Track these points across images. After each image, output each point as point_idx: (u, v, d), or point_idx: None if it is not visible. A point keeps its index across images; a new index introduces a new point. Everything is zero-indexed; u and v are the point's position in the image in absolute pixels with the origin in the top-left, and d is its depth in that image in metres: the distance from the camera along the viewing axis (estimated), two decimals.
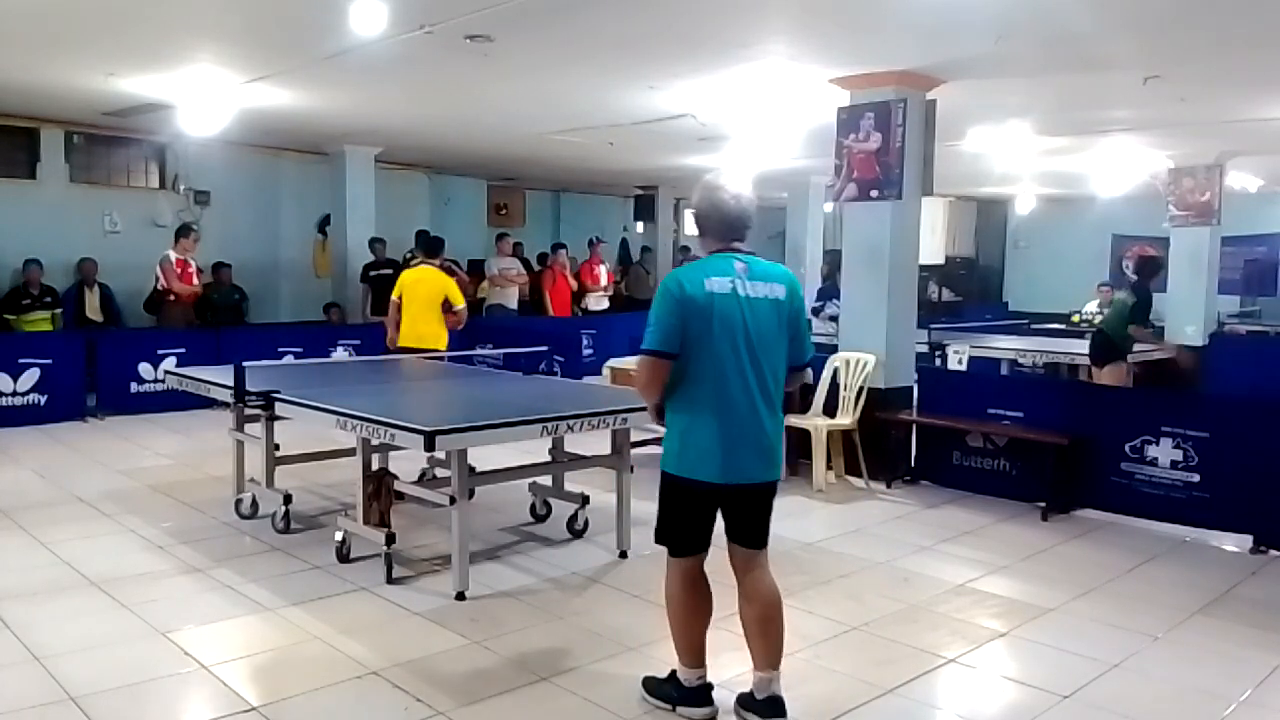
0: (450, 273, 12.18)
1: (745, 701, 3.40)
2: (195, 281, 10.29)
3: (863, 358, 6.95)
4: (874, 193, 6.97)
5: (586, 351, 12.00)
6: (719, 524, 3.41)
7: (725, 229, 3.33)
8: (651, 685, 3.56)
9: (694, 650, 3.42)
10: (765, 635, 3.35)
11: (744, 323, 3.23)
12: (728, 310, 3.21)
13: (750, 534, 3.39)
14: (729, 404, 3.23)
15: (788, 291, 3.33)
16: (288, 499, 5.52)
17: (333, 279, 12.14)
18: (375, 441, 4.71)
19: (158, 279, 10.07)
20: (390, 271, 11.04)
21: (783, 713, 3.32)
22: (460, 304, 7.56)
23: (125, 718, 3.39)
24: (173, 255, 10.04)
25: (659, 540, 3.45)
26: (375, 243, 11.64)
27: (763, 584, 3.38)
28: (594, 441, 5.33)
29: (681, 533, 3.37)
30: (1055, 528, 5.97)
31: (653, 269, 15.59)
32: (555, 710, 3.49)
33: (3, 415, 8.60)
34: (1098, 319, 11.83)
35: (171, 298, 10.06)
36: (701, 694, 3.44)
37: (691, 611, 3.41)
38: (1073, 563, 5.29)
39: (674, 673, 3.49)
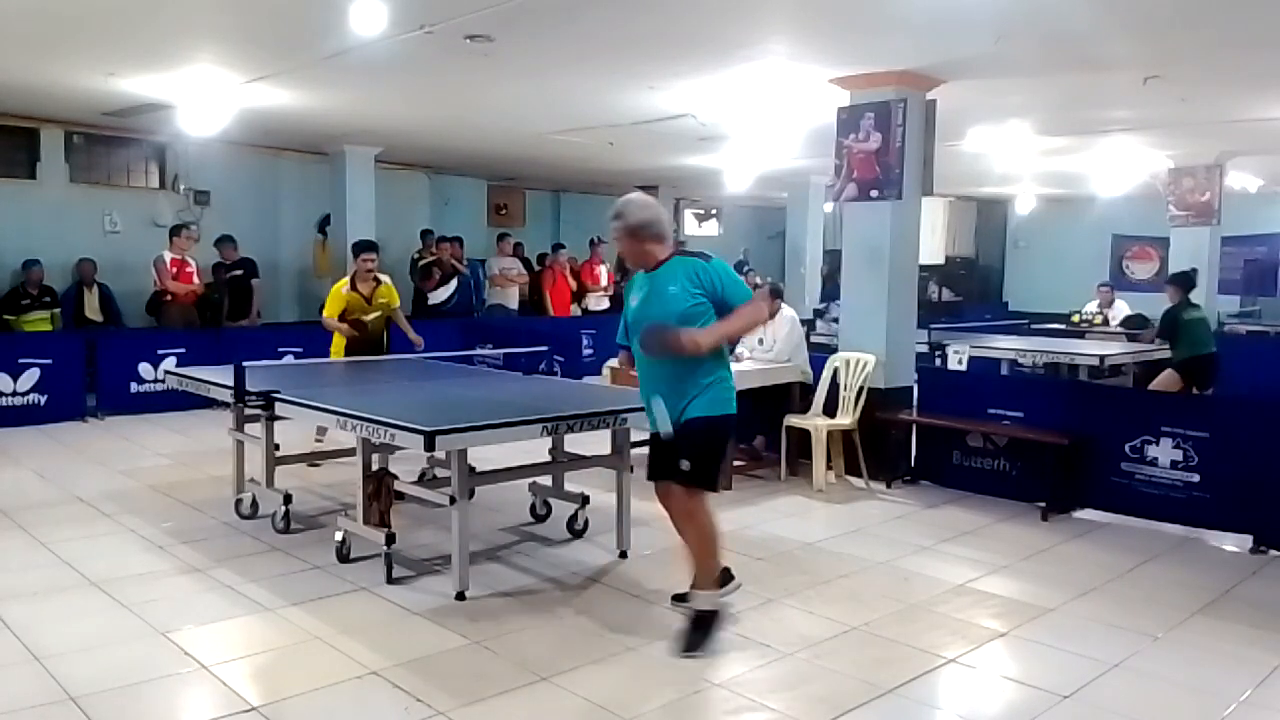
0: (455, 270, 12.31)
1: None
2: (195, 280, 10.27)
3: (863, 358, 6.95)
4: (874, 193, 6.97)
5: (586, 351, 11.99)
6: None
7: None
8: (701, 639, 3.93)
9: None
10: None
11: None
12: None
13: None
14: None
15: None
16: (288, 499, 5.52)
17: (332, 279, 12.10)
18: (375, 441, 4.71)
19: (155, 280, 10.08)
20: (241, 273, 10.83)
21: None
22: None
23: (125, 718, 3.39)
24: (167, 255, 10.04)
25: (714, 485, 4.00)
26: (222, 241, 10.91)
27: None
28: (594, 441, 5.33)
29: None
30: (1055, 528, 5.96)
31: None
32: (555, 710, 3.48)
33: (3, 415, 8.60)
34: (1098, 319, 11.83)
35: (168, 298, 10.06)
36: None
37: None
38: (1073, 563, 5.29)
39: (704, 613, 3.98)
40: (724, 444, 4.05)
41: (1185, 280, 8.72)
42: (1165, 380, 8.32)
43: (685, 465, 3.90)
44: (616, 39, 6.28)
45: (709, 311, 3.94)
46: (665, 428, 3.97)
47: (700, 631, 3.96)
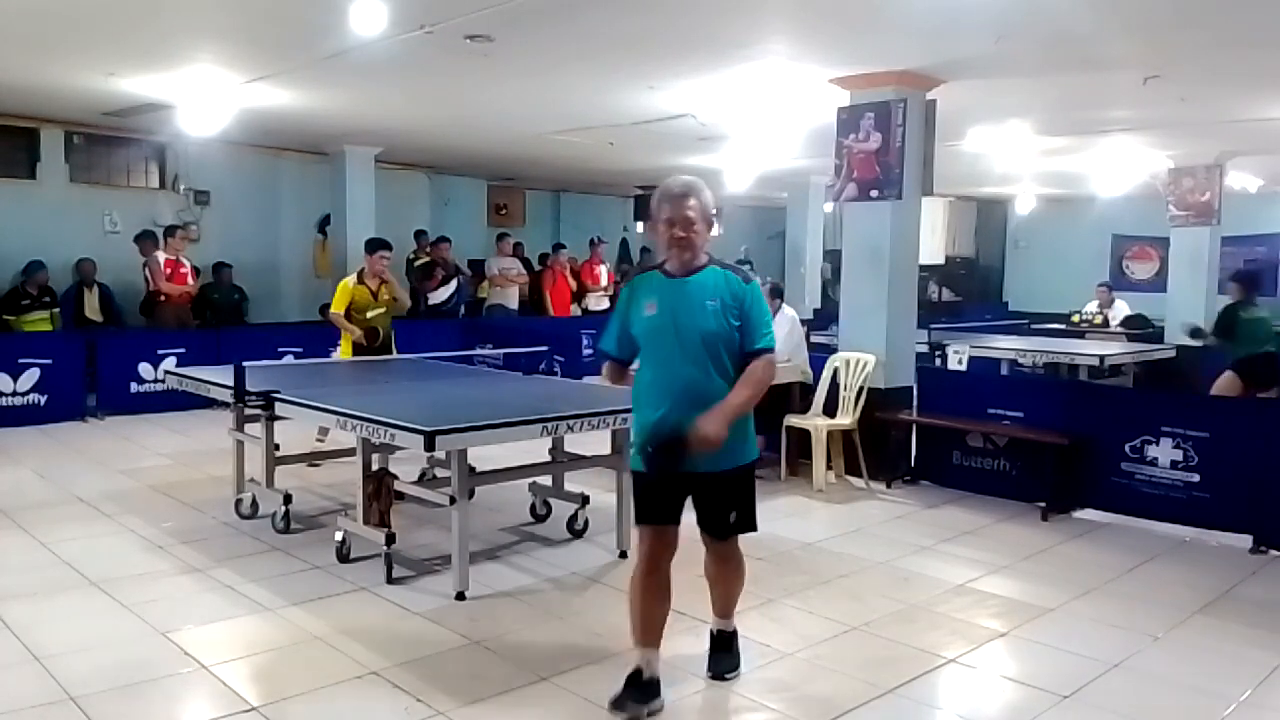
0: (458, 270, 12.31)
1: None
2: (189, 281, 10.27)
3: (863, 358, 6.95)
4: (874, 193, 6.97)
5: (586, 351, 11.98)
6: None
7: None
8: (735, 657, 3.78)
9: None
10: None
11: None
12: None
13: None
14: None
15: None
16: (288, 499, 5.52)
17: (333, 279, 12.11)
18: (375, 441, 4.71)
19: (148, 280, 10.09)
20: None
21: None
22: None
23: (125, 718, 3.39)
24: (160, 256, 10.04)
25: (753, 527, 3.61)
26: (140, 238, 10.41)
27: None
28: (594, 441, 5.33)
29: None
30: (1055, 528, 5.96)
31: None
32: (555, 710, 3.49)
33: (3, 415, 8.60)
34: (1098, 318, 11.84)
35: (162, 298, 10.06)
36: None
37: None
38: (1073, 563, 5.29)
39: (730, 633, 3.79)
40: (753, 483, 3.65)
41: (1250, 278, 8.39)
42: (1225, 382, 7.91)
43: (734, 517, 3.54)
44: (616, 39, 6.28)
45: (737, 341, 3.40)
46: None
47: (732, 652, 3.77)
